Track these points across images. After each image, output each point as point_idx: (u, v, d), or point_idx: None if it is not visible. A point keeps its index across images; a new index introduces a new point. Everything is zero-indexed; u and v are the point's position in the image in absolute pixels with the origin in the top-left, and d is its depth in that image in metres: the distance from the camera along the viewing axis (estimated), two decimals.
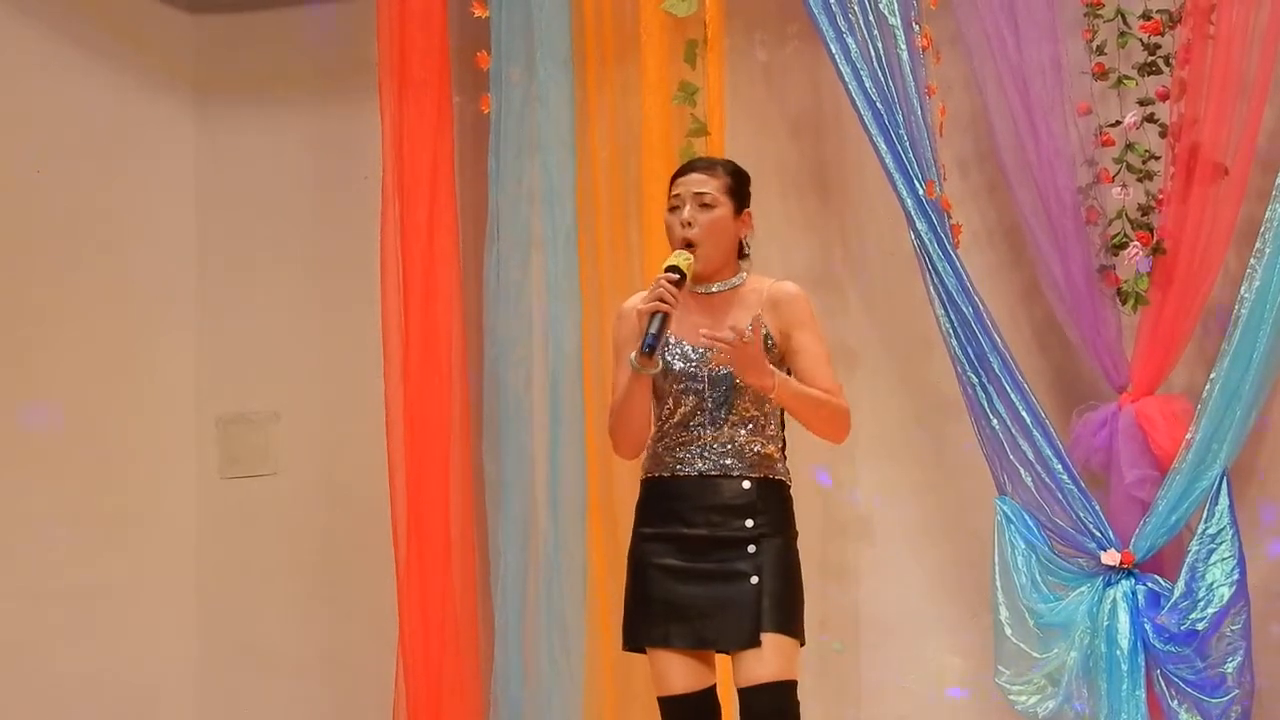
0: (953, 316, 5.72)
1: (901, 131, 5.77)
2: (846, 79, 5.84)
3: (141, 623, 6.85)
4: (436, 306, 6.37)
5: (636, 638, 4.86)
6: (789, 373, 4.80)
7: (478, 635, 6.39)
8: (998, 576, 5.68)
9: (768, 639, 4.70)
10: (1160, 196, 5.69)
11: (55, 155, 6.77)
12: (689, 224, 4.81)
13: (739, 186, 4.91)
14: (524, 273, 6.36)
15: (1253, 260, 5.55)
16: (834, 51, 5.85)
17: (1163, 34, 5.71)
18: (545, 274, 6.29)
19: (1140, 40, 5.74)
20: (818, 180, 6.35)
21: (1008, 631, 5.65)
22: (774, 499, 4.82)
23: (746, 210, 4.92)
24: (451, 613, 6.30)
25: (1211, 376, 5.56)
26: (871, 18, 5.82)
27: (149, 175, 7.03)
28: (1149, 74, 5.73)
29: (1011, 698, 5.63)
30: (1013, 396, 5.66)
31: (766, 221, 6.29)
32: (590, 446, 6.18)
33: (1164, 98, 5.71)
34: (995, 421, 5.68)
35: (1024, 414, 5.65)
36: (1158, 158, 5.70)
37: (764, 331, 4.77)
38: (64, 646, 6.65)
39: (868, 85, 5.80)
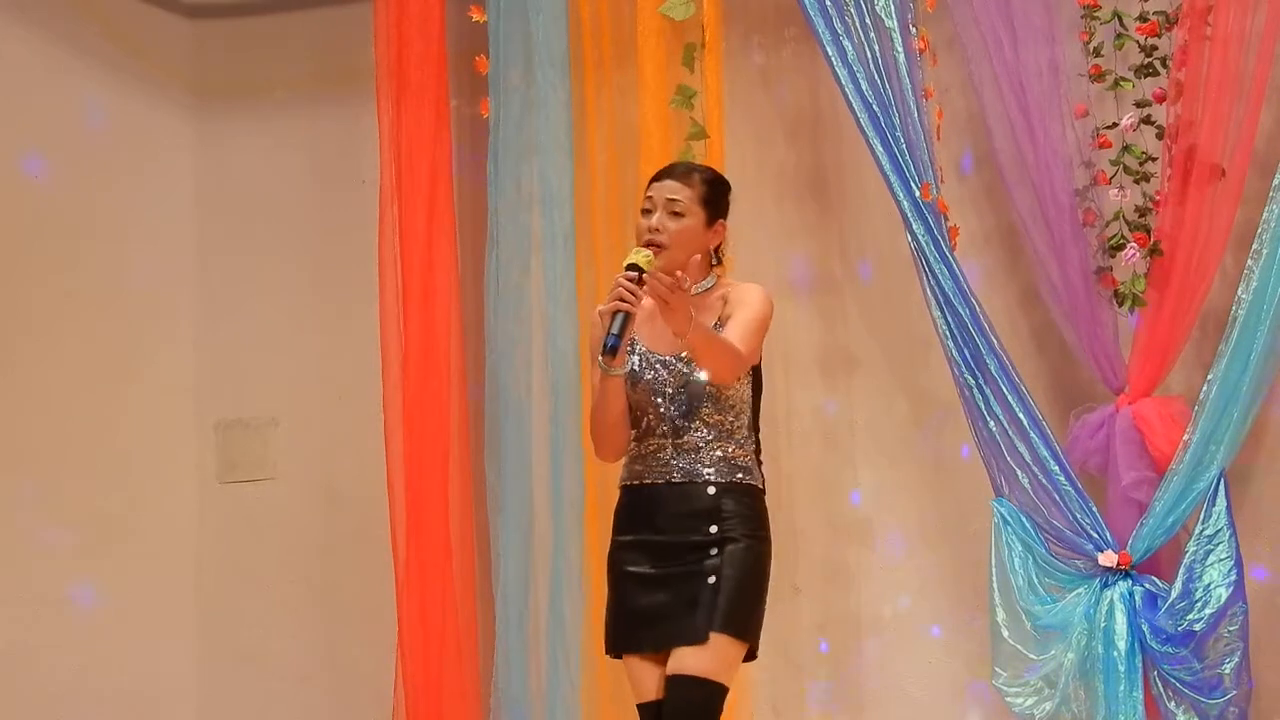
0: (950, 318, 5.71)
1: (898, 134, 5.77)
2: (843, 82, 5.84)
3: (140, 628, 6.85)
4: (435, 311, 6.37)
5: (613, 645, 4.88)
6: None
7: (477, 640, 6.39)
8: (995, 578, 5.68)
9: (712, 638, 4.69)
10: (1157, 198, 5.69)
11: (55, 160, 6.78)
12: (656, 230, 4.80)
13: (714, 196, 4.87)
14: (523, 276, 6.36)
15: (1250, 262, 5.55)
16: (831, 54, 5.86)
17: (1160, 36, 5.71)
18: (544, 278, 6.29)
19: (1137, 42, 5.74)
20: (815, 182, 6.35)
21: (1005, 633, 5.65)
22: (741, 504, 4.79)
23: (721, 221, 4.88)
24: (451, 618, 6.29)
25: (1209, 378, 5.56)
26: (869, 20, 5.83)
27: (148, 180, 7.03)
28: (1146, 76, 5.73)
29: (1009, 699, 5.63)
30: (1010, 398, 5.66)
31: (764, 224, 6.33)
32: (589, 450, 6.17)
33: (1161, 100, 5.70)
34: (993, 423, 5.68)
35: (1021, 416, 5.65)
36: (1155, 159, 5.70)
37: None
38: (63, 651, 6.65)
39: (864, 88, 5.81)
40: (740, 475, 4.80)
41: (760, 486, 4.85)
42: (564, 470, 6.21)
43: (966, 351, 5.70)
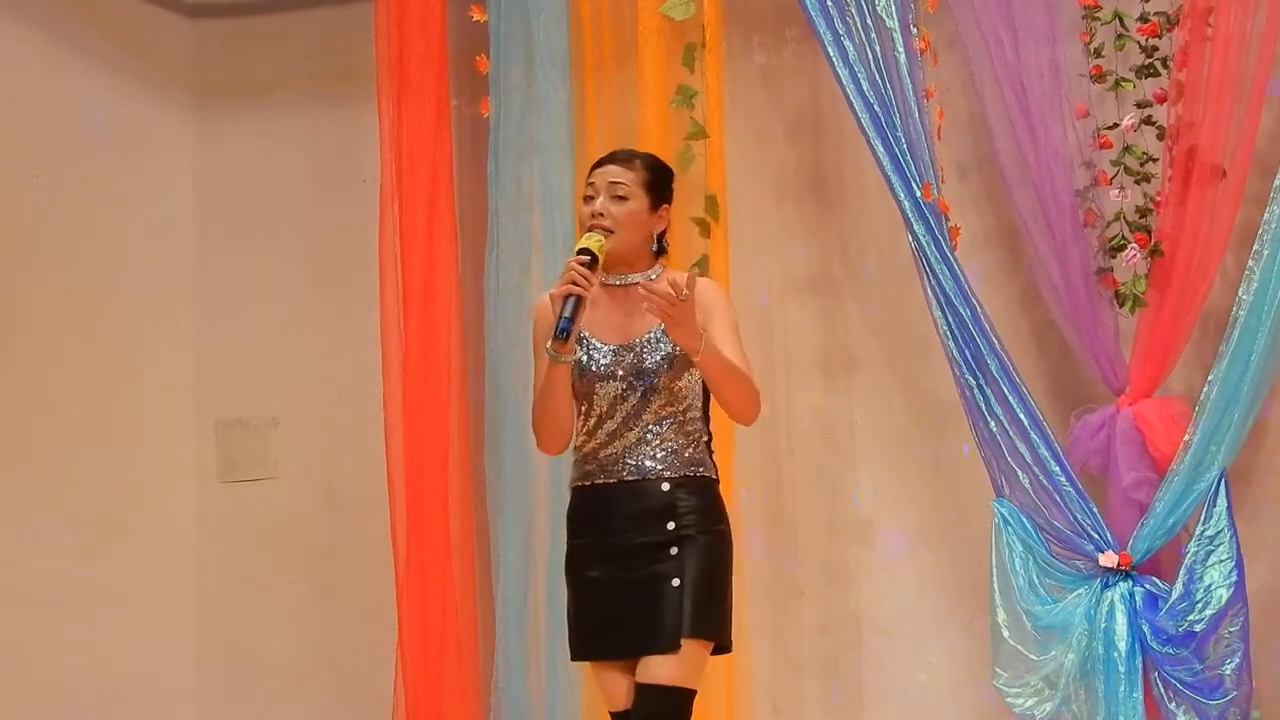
0: (950, 319, 5.71)
1: (899, 134, 5.77)
2: (844, 82, 5.84)
3: (140, 628, 6.85)
4: (435, 310, 6.36)
5: (578, 652, 4.85)
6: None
7: (477, 640, 6.38)
8: (995, 579, 5.68)
9: (683, 644, 4.67)
10: (1158, 199, 5.68)
11: (54, 160, 6.78)
12: (600, 214, 4.78)
13: (657, 181, 4.87)
14: (523, 276, 6.36)
15: (1250, 262, 5.54)
16: (832, 54, 5.85)
17: (1160, 36, 5.70)
18: (544, 278, 6.29)
19: (1138, 43, 5.73)
20: (816, 183, 6.35)
21: (1005, 634, 5.64)
22: (697, 497, 4.77)
23: (665, 206, 4.88)
24: (451, 618, 6.29)
25: (1209, 378, 5.55)
26: (869, 20, 5.82)
27: (148, 180, 7.03)
28: (1147, 76, 5.73)
29: (1009, 700, 5.62)
30: (1010, 399, 5.66)
31: (764, 224, 6.34)
32: None
33: (1162, 100, 5.70)
34: (993, 424, 5.68)
35: (1022, 416, 5.65)
36: (1155, 160, 5.69)
37: None
38: (63, 651, 6.65)
39: (865, 88, 5.81)
40: (694, 469, 4.77)
41: (714, 477, 4.83)
42: (564, 470, 6.18)
43: (967, 352, 5.70)
